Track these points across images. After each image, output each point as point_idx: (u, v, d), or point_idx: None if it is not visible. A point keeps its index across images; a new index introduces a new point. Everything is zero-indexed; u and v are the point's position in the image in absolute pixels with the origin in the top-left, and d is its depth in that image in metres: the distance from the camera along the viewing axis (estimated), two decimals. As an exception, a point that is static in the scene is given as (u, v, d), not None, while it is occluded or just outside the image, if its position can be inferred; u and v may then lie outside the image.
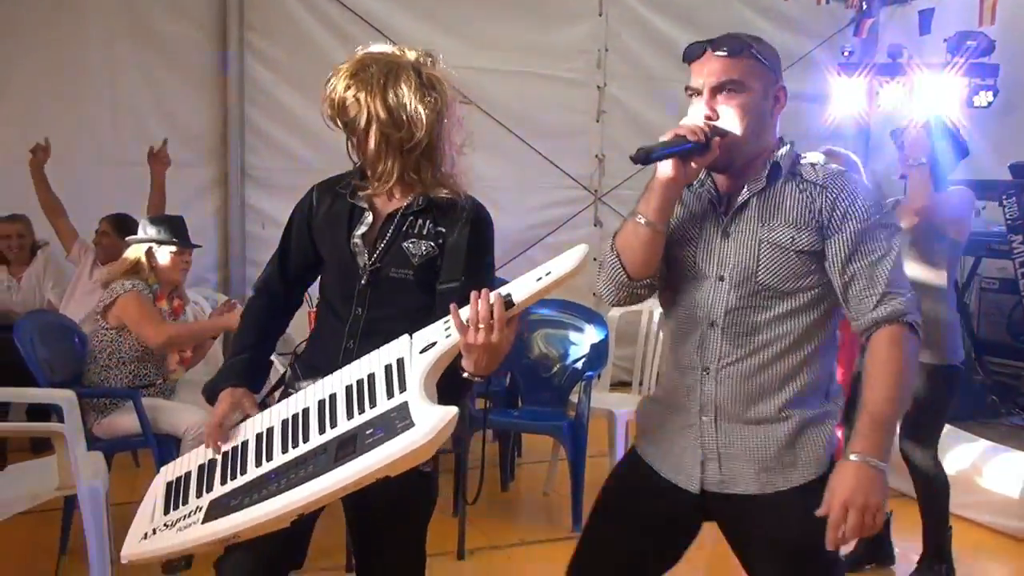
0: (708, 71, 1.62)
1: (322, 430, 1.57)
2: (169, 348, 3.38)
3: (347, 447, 1.50)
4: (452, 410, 1.48)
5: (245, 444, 1.67)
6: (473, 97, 5.44)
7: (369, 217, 1.81)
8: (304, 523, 1.77)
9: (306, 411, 1.64)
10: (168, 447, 3.16)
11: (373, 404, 1.55)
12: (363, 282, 1.79)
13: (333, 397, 1.62)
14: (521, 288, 1.56)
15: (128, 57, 4.83)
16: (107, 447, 3.15)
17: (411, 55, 1.79)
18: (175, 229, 3.48)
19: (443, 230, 1.77)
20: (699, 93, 1.63)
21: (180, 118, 4.96)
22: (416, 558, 1.90)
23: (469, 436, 3.36)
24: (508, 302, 1.54)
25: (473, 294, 1.56)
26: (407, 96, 1.72)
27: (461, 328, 1.55)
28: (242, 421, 1.74)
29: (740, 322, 1.63)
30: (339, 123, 1.79)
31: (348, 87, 1.74)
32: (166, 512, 1.65)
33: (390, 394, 1.54)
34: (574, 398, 3.70)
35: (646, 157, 1.57)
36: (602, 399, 3.82)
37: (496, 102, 5.50)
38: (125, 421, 3.17)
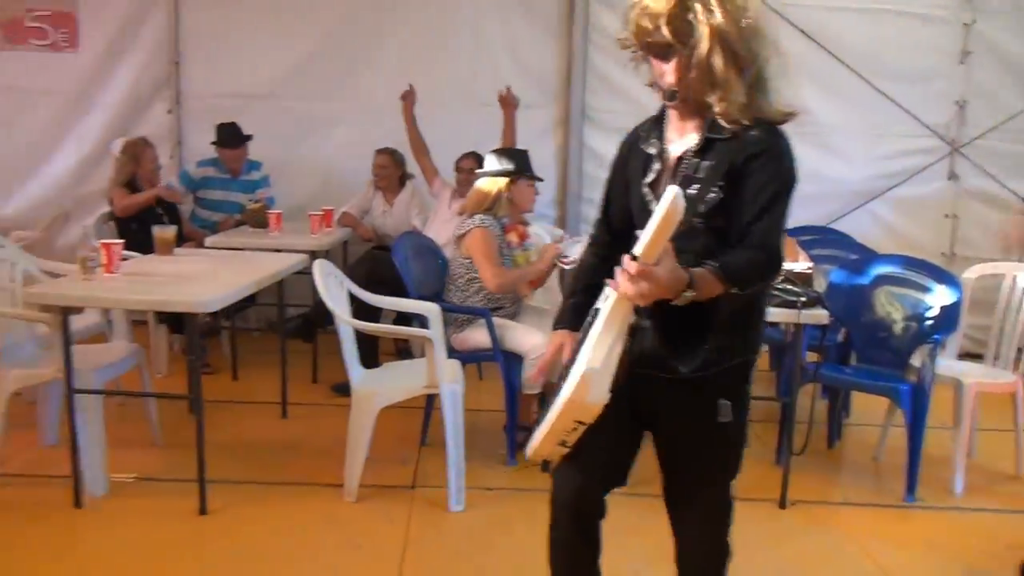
0: None
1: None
2: (499, 291, 3.55)
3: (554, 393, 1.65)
4: (580, 371, 1.53)
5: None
6: (818, 37, 5.21)
7: (657, 164, 1.74)
8: (627, 451, 1.85)
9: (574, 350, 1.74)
10: (511, 363, 3.48)
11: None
12: None
13: (579, 342, 1.71)
14: (639, 243, 1.51)
15: (490, 4, 5.24)
16: (460, 358, 3.53)
17: None
18: (524, 161, 3.72)
19: (722, 169, 1.63)
20: None
21: (530, 62, 5.29)
22: (721, 506, 1.85)
23: (798, 388, 3.30)
24: (633, 257, 1.51)
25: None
26: (722, 14, 1.55)
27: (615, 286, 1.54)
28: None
29: None
30: (664, 43, 1.60)
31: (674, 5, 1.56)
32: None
33: (581, 346, 1.64)
34: (914, 362, 3.46)
35: None
36: (948, 367, 3.53)
37: (843, 42, 5.18)
38: (477, 336, 3.54)
